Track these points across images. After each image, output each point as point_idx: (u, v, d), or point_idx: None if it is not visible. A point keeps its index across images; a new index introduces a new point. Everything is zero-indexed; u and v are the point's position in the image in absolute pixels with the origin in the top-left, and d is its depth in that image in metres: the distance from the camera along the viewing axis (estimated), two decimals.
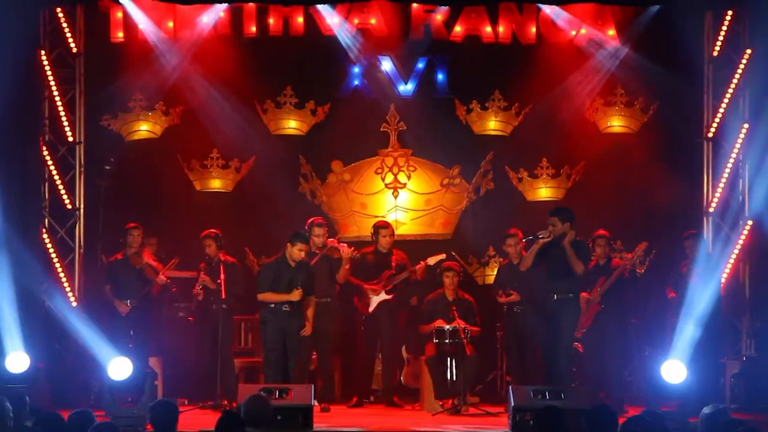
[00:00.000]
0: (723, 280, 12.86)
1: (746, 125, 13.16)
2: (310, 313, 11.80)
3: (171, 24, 13.67)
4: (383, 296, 12.73)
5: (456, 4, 13.47)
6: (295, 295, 11.61)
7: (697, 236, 12.76)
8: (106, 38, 13.65)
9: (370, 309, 12.73)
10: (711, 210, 13.36)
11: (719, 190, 13.26)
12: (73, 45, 13.36)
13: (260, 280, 11.88)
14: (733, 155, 13.22)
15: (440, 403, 12.18)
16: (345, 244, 12.69)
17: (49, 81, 13.14)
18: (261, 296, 11.75)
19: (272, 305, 11.66)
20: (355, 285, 12.78)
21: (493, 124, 14.22)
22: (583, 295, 12.06)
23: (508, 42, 13.84)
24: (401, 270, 12.78)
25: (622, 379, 12.46)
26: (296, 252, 11.68)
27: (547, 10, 13.65)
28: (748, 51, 13.06)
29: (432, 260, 12.81)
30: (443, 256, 12.91)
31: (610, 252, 12.51)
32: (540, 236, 11.46)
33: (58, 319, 12.52)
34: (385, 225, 13.08)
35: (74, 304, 12.86)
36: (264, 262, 12.72)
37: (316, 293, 12.03)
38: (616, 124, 14.12)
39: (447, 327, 12.25)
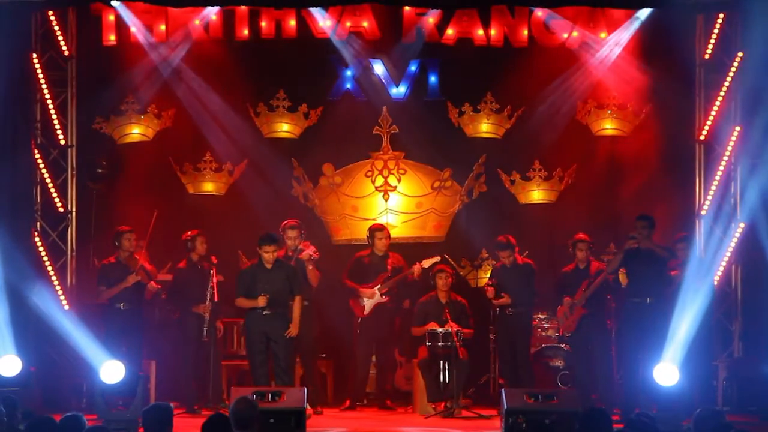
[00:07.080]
0: (715, 283, 12.88)
1: (738, 128, 13.17)
2: (295, 314, 11.76)
3: (163, 27, 13.63)
4: (378, 299, 12.70)
5: (448, 7, 13.47)
6: (260, 302, 11.68)
7: (689, 239, 12.74)
8: (98, 41, 13.64)
9: (366, 312, 12.71)
10: (703, 213, 13.36)
11: (711, 192, 13.27)
12: (65, 48, 13.35)
13: (237, 284, 11.95)
14: (726, 158, 13.23)
15: (433, 406, 12.17)
16: (313, 247, 12.52)
17: (41, 84, 13.11)
18: (236, 301, 11.95)
19: (249, 310, 11.78)
20: (350, 288, 12.76)
21: (485, 127, 14.21)
22: (567, 299, 12.16)
23: (500, 45, 13.82)
24: (397, 273, 12.77)
25: (613, 381, 12.44)
26: (264, 254, 11.77)
27: (539, 12, 13.67)
28: (740, 54, 13.06)
29: (426, 263, 12.79)
30: (438, 258, 12.88)
31: (590, 255, 12.46)
32: (633, 237, 11.83)
33: (50, 322, 12.48)
34: (381, 228, 13.04)
35: (66, 307, 12.82)
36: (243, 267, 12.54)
37: None
38: (609, 126, 14.12)
39: (440, 330, 12.23)
